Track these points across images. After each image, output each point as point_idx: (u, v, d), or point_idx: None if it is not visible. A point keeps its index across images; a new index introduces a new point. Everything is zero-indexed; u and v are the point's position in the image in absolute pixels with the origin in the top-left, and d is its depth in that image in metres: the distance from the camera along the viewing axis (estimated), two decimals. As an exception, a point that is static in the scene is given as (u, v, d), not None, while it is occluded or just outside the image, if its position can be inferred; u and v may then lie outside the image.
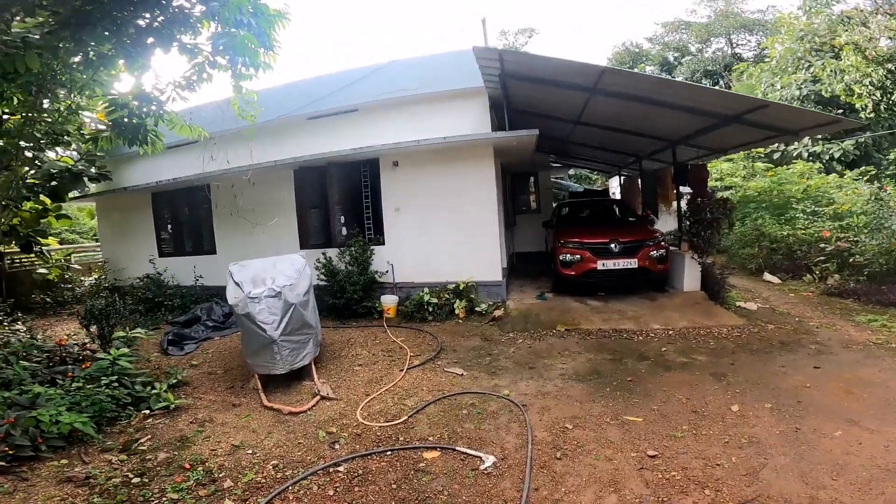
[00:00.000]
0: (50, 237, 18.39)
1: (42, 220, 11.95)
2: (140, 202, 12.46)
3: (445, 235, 9.07)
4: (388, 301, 8.97)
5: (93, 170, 11.87)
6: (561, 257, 8.74)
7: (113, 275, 12.85)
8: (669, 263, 8.68)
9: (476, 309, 8.66)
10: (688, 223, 8.68)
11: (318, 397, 5.37)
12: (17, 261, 12.78)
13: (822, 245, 9.85)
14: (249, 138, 7.61)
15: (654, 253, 8.52)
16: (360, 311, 8.94)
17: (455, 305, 8.62)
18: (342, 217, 9.67)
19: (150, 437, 4.78)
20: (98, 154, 11.71)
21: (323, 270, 9.01)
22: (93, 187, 12.96)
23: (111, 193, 12.50)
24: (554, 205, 14.49)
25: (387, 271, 9.29)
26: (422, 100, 9.33)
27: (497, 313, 8.36)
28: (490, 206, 8.85)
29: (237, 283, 6.40)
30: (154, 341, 8.24)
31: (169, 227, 12.40)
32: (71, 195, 12.44)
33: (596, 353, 6.37)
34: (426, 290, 8.78)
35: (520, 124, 8.63)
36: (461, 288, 8.72)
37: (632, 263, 8.41)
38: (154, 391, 5.39)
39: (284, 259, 6.97)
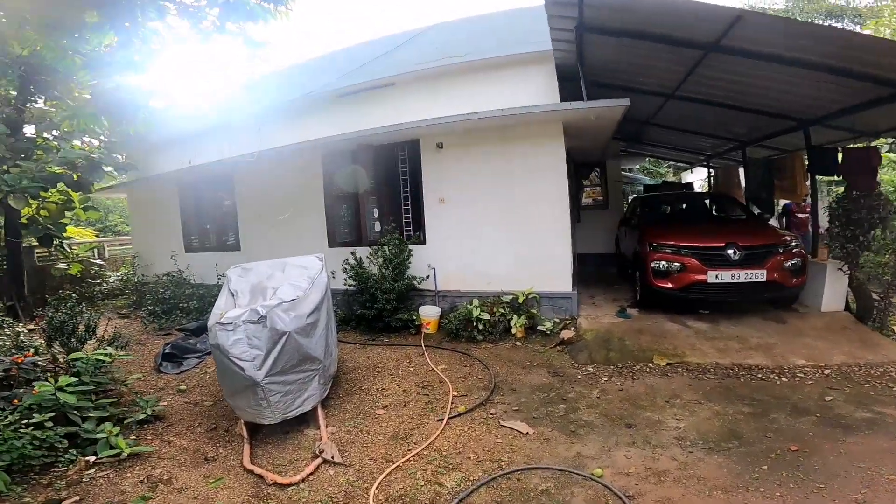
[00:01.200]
0: (88, 229, 18.27)
1: (67, 213, 11.21)
2: (168, 194, 11.48)
3: (500, 234, 7.32)
4: (429, 314, 7.32)
5: (117, 158, 11.06)
6: (654, 265, 6.75)
7: (142, 269, 12.04)
8: (807, 276, 6.51)
9: (539, 328, 6.86)
10: (836, 224, 6.48)
11: (318, 459, 3.77)
12: (48, 254, 12.15)
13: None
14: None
15: (788, 262, 6.36)
16: (394, 325, 7.34)
17: (512, 323, 6.85)
18: (375, 210, 8.09)
19: (78, 498, 3.43)
20: (113, 140, 10.88)
21: (351, 274, 7.47)
22: (122, 177, 12.23)
23: (135, 184, 11.55)
24: (631, 197, 12.37)
25: (427, 276, 7.64)
26: (471, 69, 7.61)
27: (566, 334, 6.52)
28: (559, 197, 7.02)
29: (232, 293, 4.95)
30: (157, 351, 6.98)
31: (194, 220, 11.34)
32: (98, 186, 11.60)
33: (723, 402, 4.44)
34: (475, 301, 7.05)
35: (594, 99, 6.71)
36: (520, 301, 6.93)
37: (758, 275, 6.27)
38: (103, 434, 3.99)
39: (297, 262, 5.47)
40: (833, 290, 6.57)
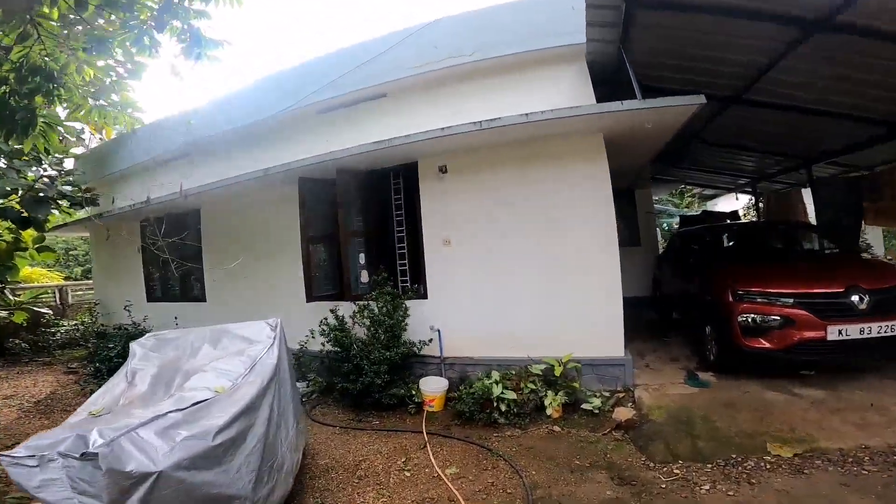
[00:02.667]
0: (54, 271, 16.59)
1: (17, 253, 9.65)
2: (128, 232, 9.91)
3: (527, 283, 5.65)
4: (432, 388, 5.60)
5: (66, 189, 9.53)
6: (742, 319, 5.01)
7: (104, 318, 10.45)
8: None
9: (582, 405, 5.11)
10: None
11: None
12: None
13: None
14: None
15: None
16: (387, 402, 5.58)
17: (546, 401, 5.10)
18: (362, 255, 6.41)
19: None
20: (75, 172, 9.42)
21: (330, 338, 5.76)
22: (79, 213, 10.72)
23: (92, 222, 9.96)
24: (675, 227, 10.67)
25: (430, 340, 5.91)
26: (480, 71, 6.11)
27: (623, 414, 4.80)
28: (605, 232, 5.36)
29: (128, 377, 3.31)
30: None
31: (157, 265, 9.76)
32: (52, 222, 10.05)
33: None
34: (494, 374, 5.31)
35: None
36: (556, 372, 5.19)
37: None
38: None
39: (239, 332, 3.89)
40: None
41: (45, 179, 8.92)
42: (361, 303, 5.91)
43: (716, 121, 6.75)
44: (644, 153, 6.45)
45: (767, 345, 4.86)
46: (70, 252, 20.49)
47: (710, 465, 3.85)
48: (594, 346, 5.37)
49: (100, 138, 10.46)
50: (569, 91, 5.69)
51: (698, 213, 12.49)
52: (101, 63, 5.10)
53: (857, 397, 4.52)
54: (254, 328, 3.91)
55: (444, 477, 4.05)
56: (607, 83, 5.74)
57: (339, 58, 7.00)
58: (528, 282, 5.63)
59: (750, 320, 4.95)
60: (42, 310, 10.70)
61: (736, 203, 13.37)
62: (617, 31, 4.70)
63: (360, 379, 5.46)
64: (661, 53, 5.28)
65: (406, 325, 5.78)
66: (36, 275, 14.30)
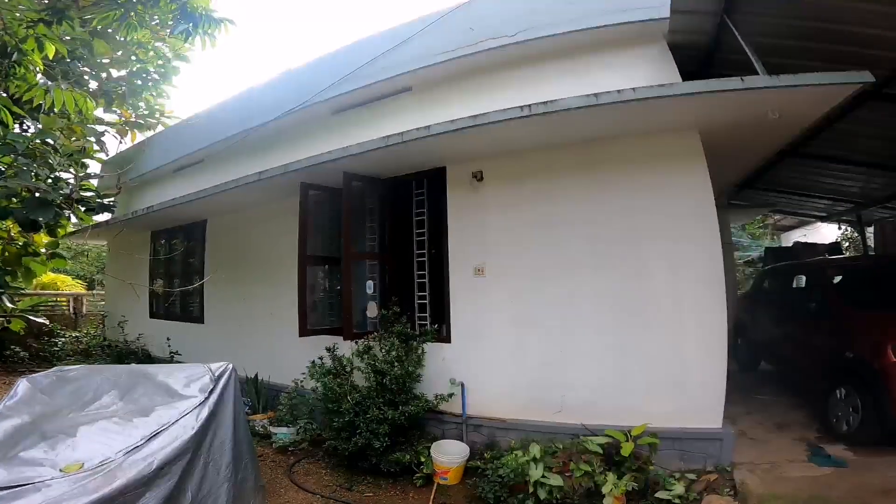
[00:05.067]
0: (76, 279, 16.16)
1: (29, 258, 9.11)
2: (140, 244, 9.20)
3: (588, 327, 4.27)
4: (448, 457, 4.25)
5: (80, 194, 8.90)
6: None
7: (111, 331, 9.70)
8: None
9: (659, 494, 3.65)
10: None
11: None
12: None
13: None
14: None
15: None
16: (387, 470, 4.27)
17: (604, 487, 3.66)
18: (371, 283, 5.15)
19: None
20: (89, 175, 8.81)
21: (320, 383, 4.53)
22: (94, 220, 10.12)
23: (104, 229, 9.26)
24: (763, 266, 8.89)
25: (451, 395, 4.58)
26: (526, 57, 4.88)
27: None
28: (707, 264, 3.96)
29: None
30: None
31: (163, 279, 8.93)
32: (64, 230, 9.44)
33: None
34: (533, 446, 3.90)
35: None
36: (623, 450, 3.74)
37: None
38: None
39: (164, 379, 2.99)
40: None
41: (49, 181, 8.27)
42: (363, 343, 4.66)
43: (839, 124, 5.19)
44: (745, 162, 4.99)
45: None
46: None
47: None
48: (679, 415, 3.94)
49: (121, 141, 9.93)
50: (646, 81, 4.35)
51: (789, 245, 10.64)
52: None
53: None
54: (186, 374, 2.83)
55: None
56: (694, 75, 4.37)
57: (358, 49, 5.92)
58: (590, 327, 4.25)
59: None
60: (39, 319, 10.03)
61: (828, 233, 11.48)
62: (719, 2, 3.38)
63: (354, 438, 4.18)
64: (778, 31, 3.90)
65: (420, 375, 4.50)
66: (60, 281, 13.89)
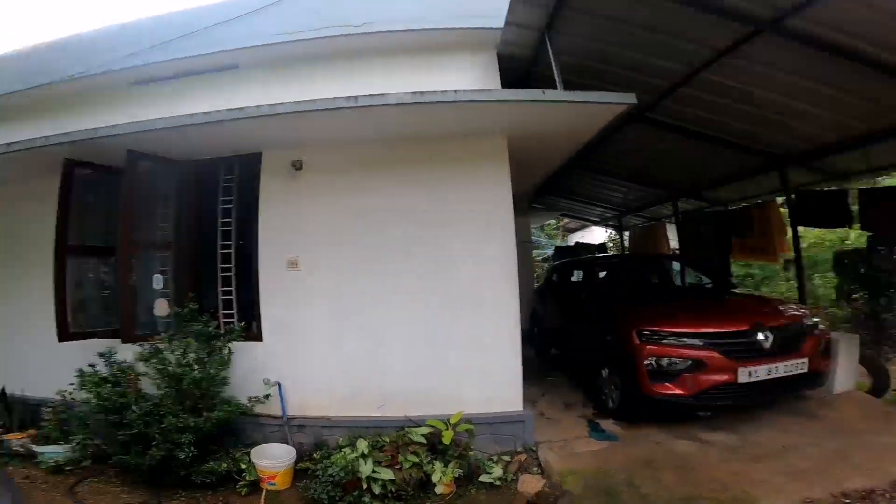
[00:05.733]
0: None
1: None
2: None
3: (405, 320, 4.30)
4: (271, 460, 3.88)
5: None
6: (649, 363, 4.29)
7: None
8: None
9: (482, 478, 3.84)
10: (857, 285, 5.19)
11: None
12: None
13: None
14: None
15: (821, 343, 4.58)
16: (202, 481, 3.70)
17: (434, 476, 3.72)
18: (159, 276, 4.38)
19: None
20: None
21: (93, 397, 3.71)
22: None
23: None
24: (553, 262, 10.14)
25: (267, 396, 4.16)
26: (369, 49, 4.80)
27: (531, 485, 3.70)
28: (503, 260, 4.28)
29: None
30: None
31: None
32: None
33: None
34: (361, 441, 3.77)
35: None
36: (444, 438, 3.83)
37: (798, 366, 4.28)
38: None
39: None
40: (846, 368, 4.95)
41: None
42: (150, 345, 3.96)
43: (616, 139, 6.26)
44: (542, 168, 5.63)
45: (678, 391, 4.21)
46: None
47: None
48: (489, 401, 4.18)
49: None
50: (474, 85, 4.61)
51: (572, 244, 12.46)
52: None
53: (765, 439, 4.11)
54: None
55: None
56: (515, 85, 4.82)
57: (180, 19, 5.09)
58: (406, 320, 4.30)
59: (658, 364, 4.27)
60: None
61: (600, 236, 13.81)
62: (543, 16, 3.79)
63: (150, 451, 3.50)
64: (584, 53, 4.58)
65: (226, 377, 3.98)
66: None
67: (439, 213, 4.33)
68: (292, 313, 4.37)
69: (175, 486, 3.79)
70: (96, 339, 4.19)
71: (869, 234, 5.34)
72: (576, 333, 5.90)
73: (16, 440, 4.49)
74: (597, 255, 9.13)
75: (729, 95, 4.62)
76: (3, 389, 4.81)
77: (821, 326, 4.75)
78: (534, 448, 4.22)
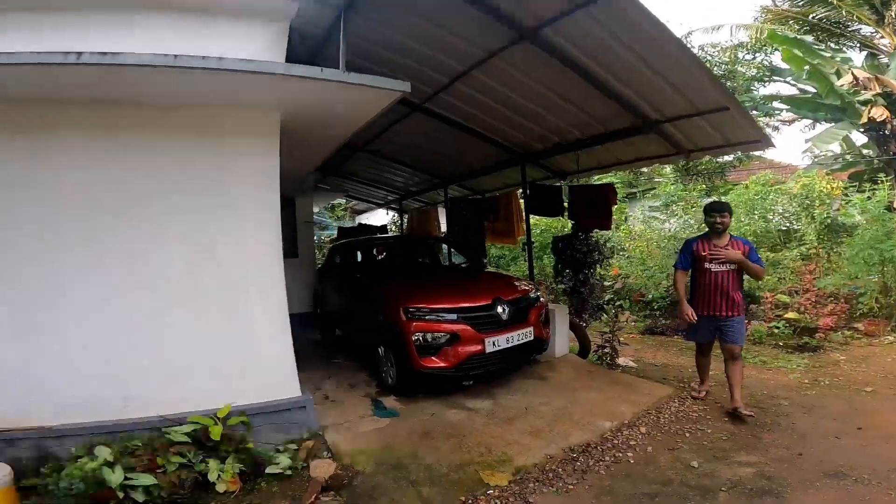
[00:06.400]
0: None
1: None
2: None
3: (150, 310, 3.75)
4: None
5: None
6: (417, 339, 4.59)
7: None
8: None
9: (269, 470, 3.62)
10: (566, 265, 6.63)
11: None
12: None
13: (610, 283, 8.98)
14: None
15: (542, 314, 5.43)
16: None
17: (210, 475, 3.40)
18: None
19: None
20: None
21: None
22: None
23: None
24: (330, 243, 10.02)
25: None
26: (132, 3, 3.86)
27: (323, 470, 3.60)
28: (267, 240, 4.07)
29: None
30: None
31: None
32: None
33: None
34: (102, 448, 3.16)
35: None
36: (213, 433, 3.51)
37: (526, 334, 5.05)
38: None
39: None
40: (562, 335, 6.12)
41: None
42: None
43: (398, 126, 6.50)
44: (318, 152, 5.45)
45: (442, 363, 4.63)
46: None
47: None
48: (263, 389, 3.93)
49: None
50: (258, 55, 4.12)
51: (355, 225, 12.59)
52: None
53: (513, 403, 4.74)
54: None
55: None
56: (304, 62, 4.54)
57: None
58: (156, 312, 3.76)
59: (423, 339, 4.63)
60: None
61: (384, 218, 14.27)
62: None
63: None
64: (378, 39, 4.58)
65: None
66: None
67: (192, 190, 3.86)
68: None
69: None
70: None
71: (573, 222, 6.67)
72: (355, 314, 5.98)
73: None
74: (374, 236, 9.49)
75: (491, 95, 5.23)
76: None
77: (541, 299, 5.61)
78: (320, 432, 4.11)
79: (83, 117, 3.61)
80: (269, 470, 3.62)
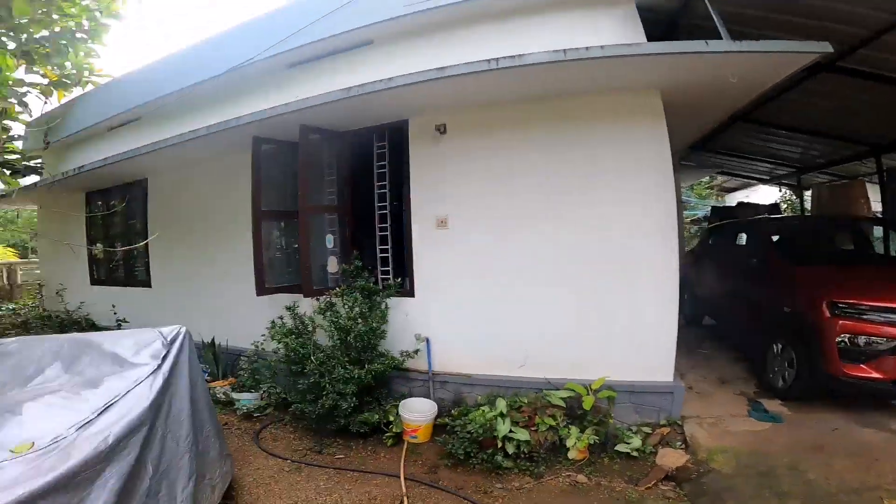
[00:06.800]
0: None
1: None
2: (73, 205, 8.50)
3: (549, 280, 4.29)
4: (416, 415, 4.26)
5: (3, 157, 8.04)
6: (843, 339, 3.80)
7: (49, 301, 8.99)
8: None
9: (618, 447, 3.81)
10: None
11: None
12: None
13: None
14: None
15: None
16: (356, 430, 4.23)
17: (568, 440, 3.79)
18: (331, 237, 4.97)
19: None
20: (12, 138, 7.93)
21: (281, 344, 4.39)
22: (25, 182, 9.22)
23: (31, 192, 8.44)
24: (709, 224, 9.31)
25: (416, 351, 4.56)
26: (499, 12, 4.63)
27: (672, 459, 3.56)
28: (663, 220, 4.04)
29: None
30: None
31: (103, 243, 8.39)
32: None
33: None
34: (500, 401, 3.96)
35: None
36: (585, 403, 3.86)
37: None
38: None
39: (111, 347, 2.75)
40: None
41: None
42: (324, 300, 4.54)
43: (789, 94, 5.37)
44: (699, 124, 5.10)
45: (876, 374, 3.69)
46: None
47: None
48: (634, 368, 4.07)
49: (46, 101, 9.03)
50: (614, 39, 4.28)
51: (732, 204, 11.17)
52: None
53: None
54: (135, 341, 2.61)
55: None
56: (657, 39, 4.38)
57: (318, 3, 5.51)
58: (550, 280, 4.27)
59: (852, 342, 3.74)
60: None
61: (770, 195, 12.10)
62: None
63: (321, 400, 4.10)
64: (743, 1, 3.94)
65: (384, 331, 4.43)
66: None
67: (586, 170, 4.18)
68: (440, 271, 4.63)
69: (334, 435, 4.35)
70: (283, 294, 4.93)
71: None
72: (742, 302, 5.41)
73: (219, 387, 5.27)
74: (770, 216, 8.05)
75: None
76: (213, 340, 5.77)
77: None
78: (679, 422, 4.03)
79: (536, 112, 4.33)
80: (617, 447, 3.84)
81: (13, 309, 9.45)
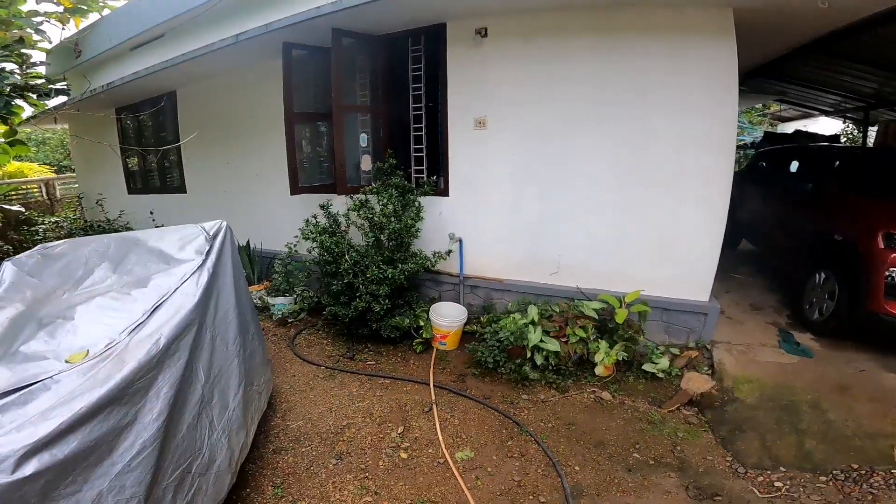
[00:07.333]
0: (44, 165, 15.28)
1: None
2: (105, 122, 8.50)
3: (589, 187, 4.16)
4: (446, 320, 4.32)
5: (28, 81, 7.92)
6: (890, 274, 3.59)
7: (89, 212, 9.42)
8: None
9: (644, 366, 3.80)
10: None
11: None
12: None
13: None
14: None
15: None
16: (387, 336, 4.34)
17: (596, 355, 3.79)
18: (365, 136, 4.85)
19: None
20: (34, 64, 7.75)
21: (316, 244, 4.41)
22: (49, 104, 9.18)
23: (64, 111, 8.39)
24: (755, 148, 8.77)
25: (449, 252, 4.54)
26: None
27: (696, 384, 3.58)
28: (721, 133, 3.77)
29: None
30: None
31: (135, 153, 8.46)
32: (19, 118, 8.56)
33: None
34: (531, 308, 3.95)
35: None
36: (617, 316, 3.80)
37: None
38: None
39: (155, 244, 2.73)
40: None
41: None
42: (359, 197, 4.52)
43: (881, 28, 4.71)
44: (769, 50, 4.73)
45: None
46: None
47: (823, 479, 2.71)
48: (671, 284, 4.01)
49: (63, 29, 8.75)
50: None
51: (787, 132, 10.48)
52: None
53: None
54: (179, 237, 2.61)
55: (452, 466, 2.89)
56: None
57: None
58: (589, 186, 4.15)
59: None
60: (14, 207, 9.51)
61: (831, 126, 11.28)
62: None
63: (354, 302, 4.17)
64: None
65: (418, 229, 4.41)
66: (26, 169, 13.17)
67: (637, 79, 3.88)
68: (476, 171, 4.53)
69: (366, 340, 4.49)
70: (316, 195, 4.95)
71: None
72: (785, 228, 5.20)
73: (255, 292, 5.30)
74: (831, 144, 7.51)
75: None
76: (248, 243, 5.84)
77: None
78: (708, 346, 3.99)
79: (585, 20, 3.99)
80: (644, 367, 3.85)
81: (56, 222, 9.75)
